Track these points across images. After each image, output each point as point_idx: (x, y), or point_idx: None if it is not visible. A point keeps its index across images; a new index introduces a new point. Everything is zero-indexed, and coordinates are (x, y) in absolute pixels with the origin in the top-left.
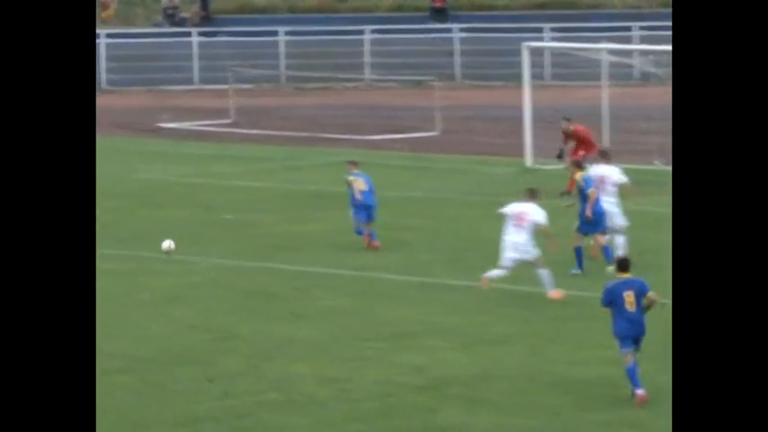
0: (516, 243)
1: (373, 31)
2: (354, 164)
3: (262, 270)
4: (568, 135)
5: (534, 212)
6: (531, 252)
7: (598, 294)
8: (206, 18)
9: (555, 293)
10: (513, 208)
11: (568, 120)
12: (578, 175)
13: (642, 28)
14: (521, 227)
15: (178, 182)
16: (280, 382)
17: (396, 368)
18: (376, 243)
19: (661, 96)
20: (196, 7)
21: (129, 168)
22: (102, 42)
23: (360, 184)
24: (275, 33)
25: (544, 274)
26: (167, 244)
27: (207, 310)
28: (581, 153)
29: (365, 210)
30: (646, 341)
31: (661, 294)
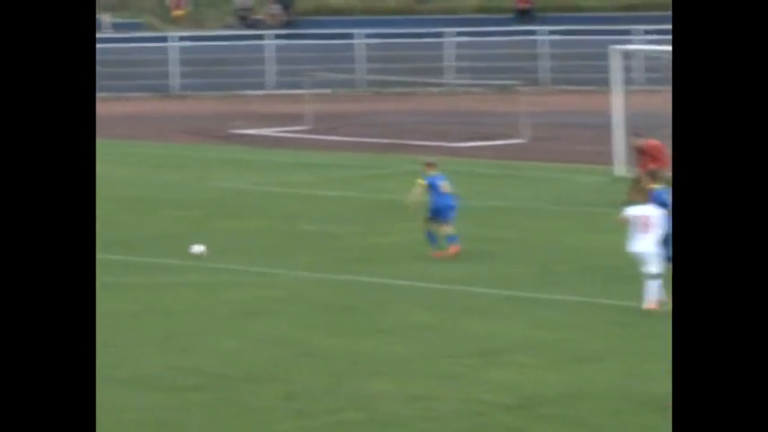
0: (646, 253)
1: (456, 34)
2: (432, 165)
3: (343, 283)
4: (640, 151)
5: (657, 216)
6: (661, 261)
7: None
8: (290, 21)
9: (651, 305)
10: (636, 211)
11: (639, 135)
12: (652, 187)
13: None
14: (647, 233)
15: (254, 191)
16: (361, 401)
17: (483, 386)
18: (455, 248)
19: None
20: (271, 9)
21: (203, 176)
22: (173, 45)
23: (446, 185)
24: (353, 36)
25: (654, 285)
26: (199, 249)
27: (286, 324)
28: (651, 166)
29: (450, 210)
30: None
31: None
